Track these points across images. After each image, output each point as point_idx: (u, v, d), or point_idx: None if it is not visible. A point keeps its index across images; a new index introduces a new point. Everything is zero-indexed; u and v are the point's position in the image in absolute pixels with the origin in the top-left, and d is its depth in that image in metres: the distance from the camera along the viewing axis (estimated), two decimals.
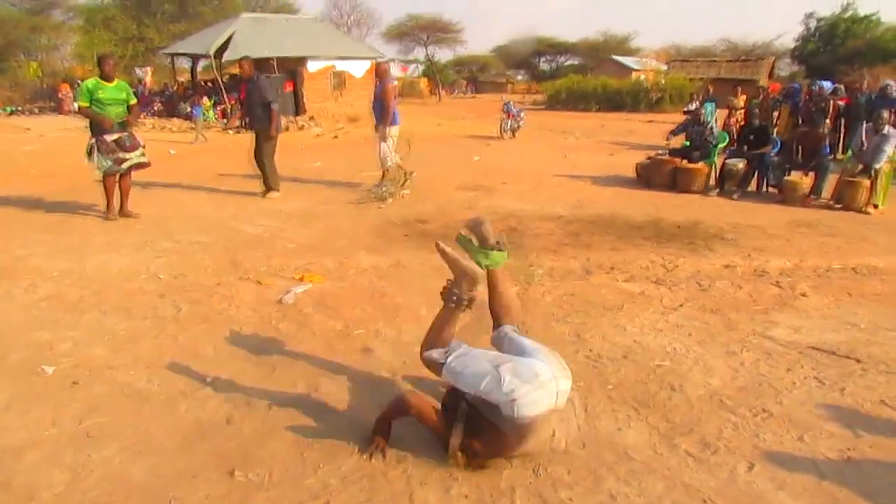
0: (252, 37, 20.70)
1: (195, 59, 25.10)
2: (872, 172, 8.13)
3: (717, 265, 5.65)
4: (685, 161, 9.38)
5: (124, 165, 6.85)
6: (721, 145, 9.64)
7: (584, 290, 4.94)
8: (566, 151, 13.99)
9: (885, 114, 8.82)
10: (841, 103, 12.73)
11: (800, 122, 12.52)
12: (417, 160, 9.19)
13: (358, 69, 24.01)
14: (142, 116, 14.95)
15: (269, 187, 8.26)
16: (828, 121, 11.36)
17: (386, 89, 8.66)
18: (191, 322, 4.18)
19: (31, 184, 9.17)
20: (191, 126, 17.23)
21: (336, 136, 16.73)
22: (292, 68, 21.46)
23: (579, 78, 35.93)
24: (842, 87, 13.63)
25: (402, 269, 5.35)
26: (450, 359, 2.76)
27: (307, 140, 16.21)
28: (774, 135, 10.61)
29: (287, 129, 16.85)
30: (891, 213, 7.99)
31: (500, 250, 3.26)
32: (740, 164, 9.06)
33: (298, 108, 21.39)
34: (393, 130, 8.70)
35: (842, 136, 12.61)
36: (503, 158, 12.58)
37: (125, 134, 6.82)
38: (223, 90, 20.67)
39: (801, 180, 8.70)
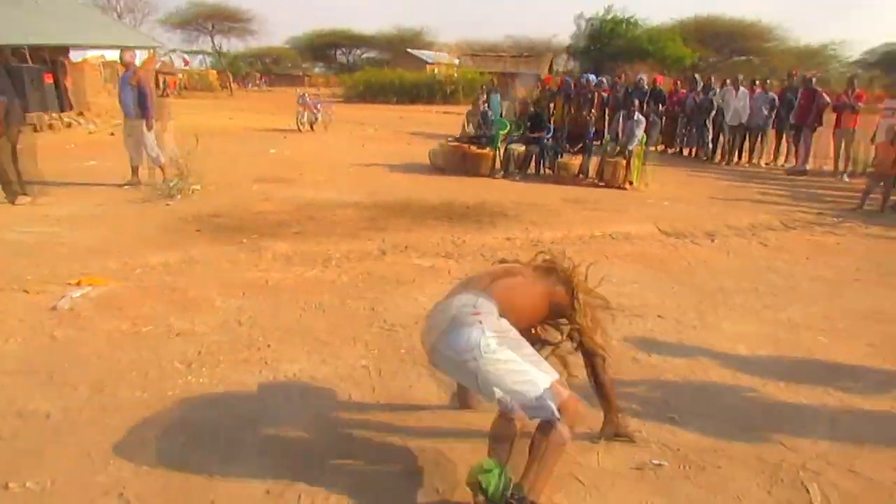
0: None
1: None
2: (627, 153, 9.35)
3: (500, 238, 6.20)
4: (472, 147, 10.05)
5: None
6: (503, 132, 10.46)
7: (379, 268, 5.18)
8: (365, 142, 14.23)
9: (637, 102, 10.17)
10: (605, 94, 14.35)
11: (572, 110, 13.94)
12: (208, 155, 8.82)
13: (135, 59, 22.18)
14: None
15: (12, 192, 7.22)
16: (594, 110, 12.78)
17: (146, 78, 8.13)
18: None
19: None
20: None
21: (113, 134, 15.33)
22: (52, 58, 19.02)
23: (377, 71, 36.46)
24: (605, 79, 15.34)
25: (195, 264, 5.18)
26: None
27: (78, 138, 14.72)
28: (550, 122, 11.74)
29: (51, 126, 15.18)
30: (643, 187, 9.26)
31: None
32: (520, 149, 9.92)
33: (63, 103, 19.04)
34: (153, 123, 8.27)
35: (607, 123, 14.24)
36: (301, 150, 12.49)
37: None
38: None
39: (571, 162, 9.76)
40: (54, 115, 17.17)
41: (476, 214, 7.19)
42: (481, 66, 34.29)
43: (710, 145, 12.45)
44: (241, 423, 2.86)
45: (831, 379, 3.50)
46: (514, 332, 2.34)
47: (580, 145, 9.95)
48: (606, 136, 10.13)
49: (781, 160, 12.13)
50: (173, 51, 44.65)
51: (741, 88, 11.72)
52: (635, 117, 9.50)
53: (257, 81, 53.19)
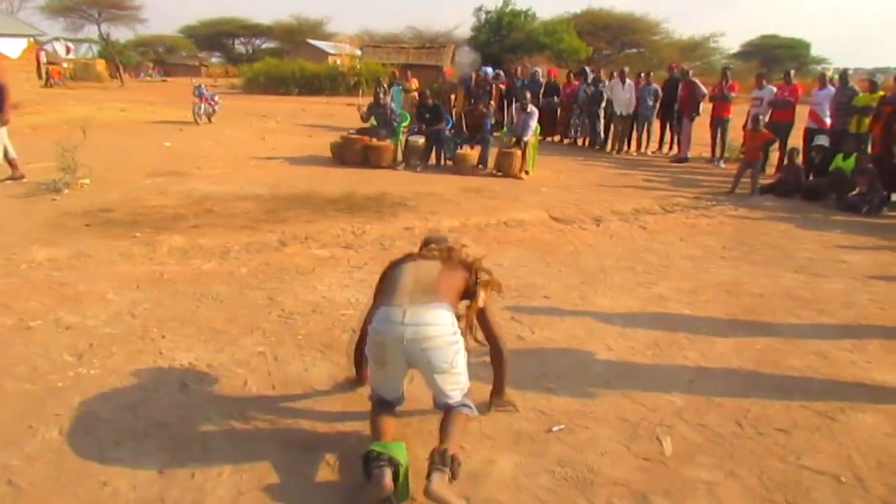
0: None
1: None
2: (523, 144, 9.74)
3: (399, 228, 6.39)
4: (374, 139, 10.17)
5: None
6: (404, 124, 10.64)
7: (278, 259, 5.25)
8: (265, 135, 14.02)
9: (528, 94, 10.59)
10: (502, 86, 14.79)
11: (472, 102, 14.29)
12: (98, 148, 8.52)
13: (12, 48, 20.75)
14: None
15: None
16: (492, 101, 13.17)
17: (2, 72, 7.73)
18: None
19: None
20: None
21: None
22: None
23: (277, 61, 35.65)
24: (502, 72, 15.79)
25: (86, 259, 5.07)
26: None
27: None
28: (451, 114, 12.02)
29: None
30: (537, 176, 9.70)
31: None
32: (421, 141, 10.13)
33: None
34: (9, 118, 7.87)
35: (505, 114, 14.71)
36: (198, 143, 12.17)
37: None
38: None
39: (470, 153, 10.07)
40: None
41: (377, 205, 7.33)
42: (383, 58, 34.20)
43: (602, 135, 13.12)
44: (134, 409, 2.91)
45: (691, 345, 3.91)
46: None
47: (478, 137, 10.26)
48: (504, 127, 10.49)
49: (666, 149, 12.95)
50: (56, 39, 41.89)
51: (627, 81, 12.40)
52: (529, 109, 9.91)
53: (150, 71, 50.78)
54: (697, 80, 11.97)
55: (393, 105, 10.65)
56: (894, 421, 3.10)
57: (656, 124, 12.92)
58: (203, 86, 16.69)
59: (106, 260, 5.05)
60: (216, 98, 16.57)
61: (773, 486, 2.58)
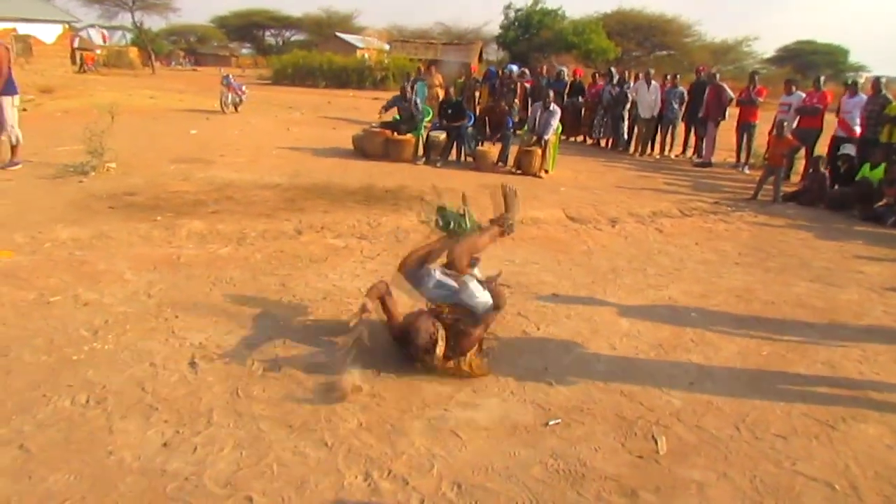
0: None
1: None
2: (543, 143, 9.74)
3: (415, 221, 6.40)
4: (395, 133, 10.24)
5: None
6: (426, 119, 10.69)
7: (293, 247, 5.34)
8: (290, 125, 14.17)
9: (552, 93, 10.57)
10: (527, 85, 14.78)
11: (496, 100, 14.30)
12: (126, 133, 8.70)
13: (47, 34, 21.20)
14: None
15: None
16: (517, 100, 13.18)
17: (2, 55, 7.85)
18: None
19: None
20: None
21: (25, 109, 14.72)
22: None
23: (305, 54, 35.94)
24: (527, 70, 15.79)
25: (107, 240, 5.21)
26: (436, 272, 3.63)
27: None
28: (475, 110, 12.05)
29: None
30: (557, 175, 9.69)
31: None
32: (442, 136, 10.17)
33: None
34: (16, 100, 8.02)
35: (529, 113, 14.70)
36: (223, 132, 12.35)
37: None
38: None
39: (490, 150, 10.10)
40: None
41: (394, 198, 7.40)
42: (411, 53, 34.32)
43: (625, 137, 13.05)
44: (143, 384, 3.01)
45: (696, 348, 3.92)
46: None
47: (499, 134, 10.28)
48: (525, 126, 10.50)
49: (690, 152, 12.84)
50: (91, 26, 42.70)
51: (653, 83, 12.31)
52: (551, 108, 9.90)
53: (181, 60, 51.47)
54: (724, 84, 11.85)
55: (417, 100, 10.70)
56: None
57: (681, 127, 12.82)
58: (231, 76, 16.90)
59: (126, 241, 5.18)
60: (244, 88, 16.76)
61: (765, 489, 2.60)
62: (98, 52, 37.60)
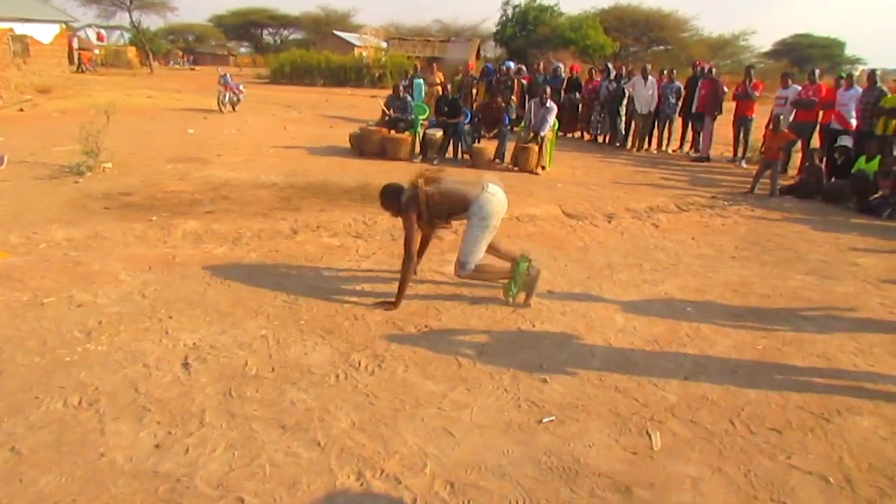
0: None
1: None
2: (540, 139, 9.72)
3: None
4: (392, 131, 10.22)
5: None
6: (422, 117, 10.68)
7: (288, 246, 5.34)
8: (287, 124, 14.15)
9: (549, 90, 10.54)
10: (524, 81, 14.76)
11: (492, 96, 14.29)
12: (122, 133, 8.69)
13: (45, 34, 21.17)
14: None
15: None
16: (514, 97, 13.16)
17: None
18: None
19: None
20: None
21: (22, 109, 14.75)
22: None
23: (303, 52, 35.87)
24: (524, 66, 15.76)
25: (102, 240, 5.20)
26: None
27: None
28: (472, 107, 12.03)
29: None
30: (554, 172, 9.68)
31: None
32: (438, 134, 10.16)
33: None
34: None
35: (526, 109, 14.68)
36: (220, 131, 12.33)
37: None
38: None
39: (487, 147, 10.08)
40: None
41: None
42: (409, 51, 34.26)
43: (622, 132, 13.03)
44: (136, 385, 3.01)
45: (691, 343, 3.92)
46: None
47: (496, 131, 10.27)
48: (521, 122, 10.49)
49: (687, 147, 12.82)
50: (88, 26, 42.60)
51: (650, 78, 12.28)
52: (548, 104, 9.88)
53: (179, 59, 51.40)
54: (718, 79, 11.82)
55: (409, 98, 10.68)
56: (892, 424, 3.09)
57: (678, 122, 12.80)
58: (228, 75, 16.85)
59: (121, 242, 5.18)
60: (241, 87, 16.73)
61: (759, 483, 2.60)
62: (96, 51, 37.52)
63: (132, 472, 2.42)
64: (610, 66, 13.86)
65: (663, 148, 12.81)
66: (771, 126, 9.43)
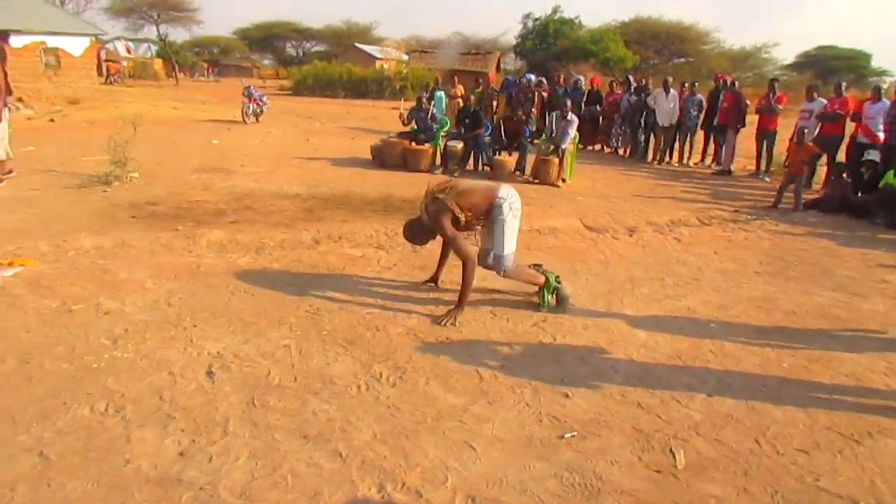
0: None
1: None
2: (561, 152, 9.71)
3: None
4: (413, 143, 10.28)
5: None
6: (444, 129, 10.72)
7: (311, 257, 5.38)
8: (309, 136, 14.29)
9: (569, 102, 10.55)
10: (545, 94, 14.78)
11: (513, 109, 14.32)
12: (149, 143, 8.84)
13: (75, 46, 21.64)
14: None
15: None
16: (534, 109, 13.18)
17: None
18: None
19: None
20: None
21: (52, 120, 15.08)
22: None
23: (325, 64, 36.29)
24: (544, 79, 15.78)
25: (129, 249, 5.28)
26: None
27: (17, 124, 14.33)
28: (493, 120, 12.06)
29: None
30: (575, 184, 9.66)
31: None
32: (459, 146, 10.20)
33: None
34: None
35: (546, 122, 14.69)
36: (244, 142, 12.50)
37: None
38: None
39: (508, 159, 10.10)
40: None
41: (412, 208, 7.39)
42: (430, 63, 34.47)
43: (643, 145, 12.98)
44: (161, 393, 3.04)
45: (715, 360, 3.87)
46: None
47: (516, 143, 10.28)
48: (542, 135, 10.49)
49: (709, 160, 12.74)
50: (117, 38, 43.64)
51: (671, 91, 12.23)
52: (568, 117, 9.87)
53: (204, 71, 52.24)
54: (740, 91, 11.75)
55: (434, 110, 10.74)
56: None
57: (700, 136, 12.72)
58: (252, 87, 17.12)
59: (148, 250, 5.26)
60: (265, 99, 16.96)
61: None
62: (124, 63, 38.29)
63: (156, 479, 2.45)
64: (631, 78, 13.84)
65: (684, 161, 12.73)
66: (795, 139, 9.33)
